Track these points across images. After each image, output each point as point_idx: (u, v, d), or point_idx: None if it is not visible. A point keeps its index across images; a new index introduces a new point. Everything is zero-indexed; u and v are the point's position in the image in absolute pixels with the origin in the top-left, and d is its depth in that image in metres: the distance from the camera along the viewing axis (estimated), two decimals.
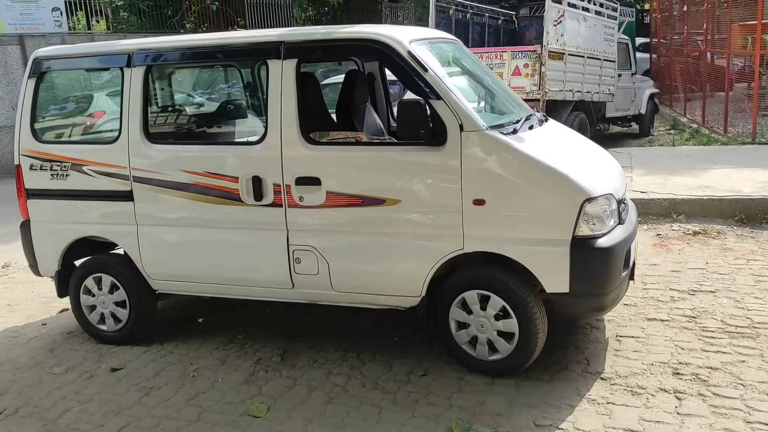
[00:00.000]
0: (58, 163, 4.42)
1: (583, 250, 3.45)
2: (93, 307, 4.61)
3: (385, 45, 3.68)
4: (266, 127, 3.93)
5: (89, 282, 4.57)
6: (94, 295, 4.58)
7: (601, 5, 11.51)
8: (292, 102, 3.86)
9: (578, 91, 10.72)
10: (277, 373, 4.04)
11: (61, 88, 4.95)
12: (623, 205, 3.88)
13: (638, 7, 23.69)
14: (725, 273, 5.19)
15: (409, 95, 6.73)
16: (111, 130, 4.39)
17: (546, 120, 4.31)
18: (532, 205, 3.50)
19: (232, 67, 5.26)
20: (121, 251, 4.64)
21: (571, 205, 3.44)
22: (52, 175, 4.45)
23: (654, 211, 6.79)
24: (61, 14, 14.80)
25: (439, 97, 3.57)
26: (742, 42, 13.34)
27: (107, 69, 4.61)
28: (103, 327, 4.61)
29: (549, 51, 9.63)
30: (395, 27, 4.00)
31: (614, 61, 11.98)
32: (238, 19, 18.59)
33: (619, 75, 12.47)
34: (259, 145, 3.98)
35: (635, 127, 13.83)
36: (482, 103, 4.13)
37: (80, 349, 4.60)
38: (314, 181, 3.84)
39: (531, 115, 4.15)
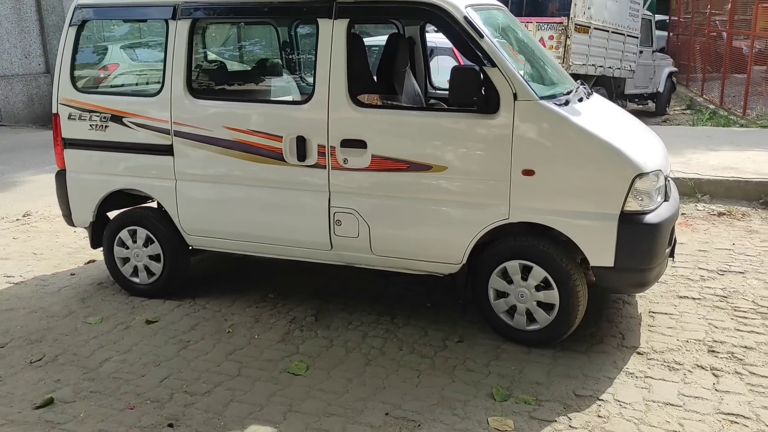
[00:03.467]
0: (98, 114, 4.39)
1: (631, 225, 3.45)
2: (126, 260, 4.62)
3: (442, 9, 3.63)
4: (313, 87, 3.90)
5: (124, 234, 4.57)
6: (128, 248, 4.59)
7: None
8: (342, 63, 3.82)
9: (600, 66, 10.65)
10: (313, 333, 4.07)
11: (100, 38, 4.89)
12: (668, 182, 3.88)
13: None
14: (753, 255, 5.22)
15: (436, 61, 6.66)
16: (154, 83, 4.34)
17: (591, 93, 4.28)
18: (582, 178, 3.49)
19: (281, 24, 5.18)
20: (155, 205, 4.64)
21: (622, 179, 3.43)
22: (90, 125, 4.42)
23: (679, 190, 6.73)
24: None
25: (494, 65, 3.53)
26: (763, 24, 13.20)
27: (150, 20, 4.54)
28: (135, 279, 4.63)
29: (575, 24, 9.53)
30: None
31: (637, 38, 11.87)
32: None
33: (641, 51, 12.37)
34: (305, 105, 3.95)
35: (651, 105, 13.76)
36: (530, 72, 4.08)
37: (112, 300, 4.63)
38: (360, 144, 3.82)
39: (578, 87, 4.12)
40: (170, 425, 3.15)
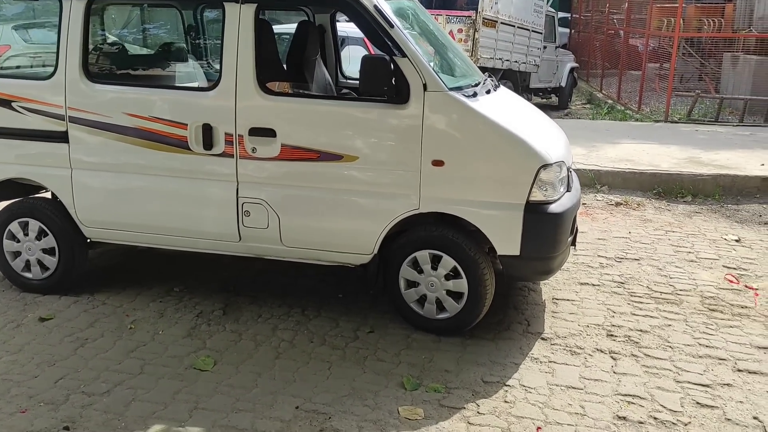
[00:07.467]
0: None
1: (535, 214, 3.55)
2: (17, 254, 4.33)
3: None
4: (220, 74, 3.77)
5: (14, 227, 4.28)
6: (19, 241, 4.30)
7: None
8: (249, 50, 3.70)
9: (507, 60, 10.92)
10: (221, 327, 3.96)
11: None
12: (570, 173, 4.01)
13: None
14: (647, 243, 5.51)
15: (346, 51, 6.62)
16: (48, 65, 4.07)
17: (499, 86, 4.37)
18: (489, 169, 3.56)
19: (185, 8, 4.96)
20: (49, 195, 4.37)
21: (527, 170, 3.52)
22: None
23: (580, 181, 7.01)
24: None
25: (404, 55, 3.53)
26: (657, 23, 13.96)
27: None
28: (28, 275, 4.35)
29: (483, 18, 9.72)
30: None
31: (541, 33, 12.26)
32: None
33: (544, 47, 12.79)
34: (211, 92, 3.81)
35: (554, 99, 14.26)
36: (439, 64, 4.11)
37: (2, 297, 4.33)
38: (269, 133, 3.73)
39: (486, 79, 4.19)
40: (66, 428, 2.97)
